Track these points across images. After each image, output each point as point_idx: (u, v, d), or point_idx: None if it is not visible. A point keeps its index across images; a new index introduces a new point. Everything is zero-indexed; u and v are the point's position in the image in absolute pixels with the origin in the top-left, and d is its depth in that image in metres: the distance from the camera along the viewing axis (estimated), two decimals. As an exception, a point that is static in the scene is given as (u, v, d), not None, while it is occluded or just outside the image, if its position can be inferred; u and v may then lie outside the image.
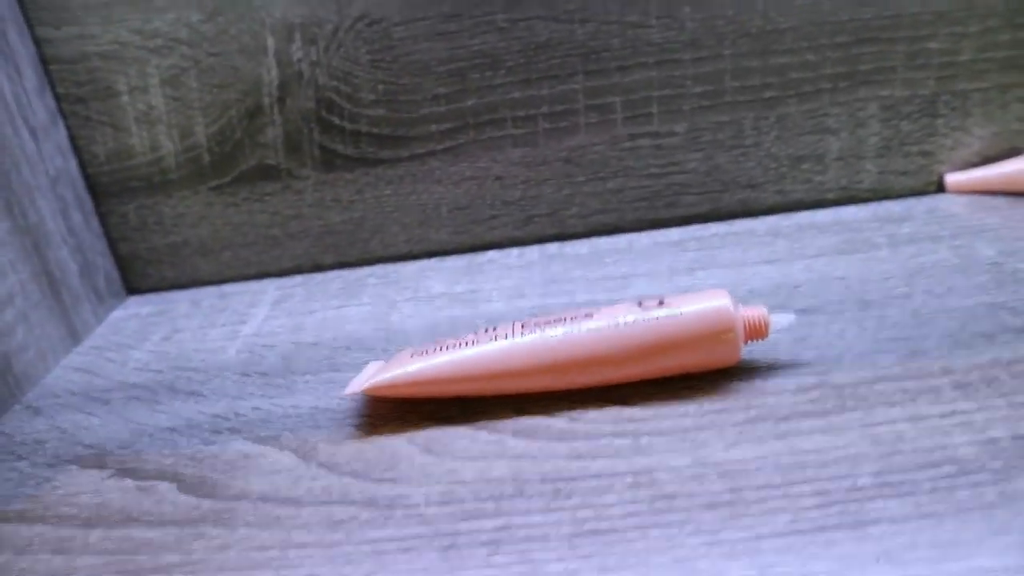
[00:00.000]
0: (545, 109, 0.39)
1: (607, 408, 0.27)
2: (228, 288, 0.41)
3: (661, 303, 0.27)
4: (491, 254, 0.40)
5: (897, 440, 0.24)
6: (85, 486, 0.27)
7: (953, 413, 0.25)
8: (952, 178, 0.41)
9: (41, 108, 0.37)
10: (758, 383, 0.28)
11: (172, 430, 0.30)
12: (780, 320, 0.28)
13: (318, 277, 0.40)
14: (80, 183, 0.39)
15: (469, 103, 0.39)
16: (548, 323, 0.28)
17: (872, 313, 0.31)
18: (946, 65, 0.39)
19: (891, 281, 0.33)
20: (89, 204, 0.40)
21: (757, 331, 0.28)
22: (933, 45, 0.38)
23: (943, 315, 0.30)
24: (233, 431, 0.29)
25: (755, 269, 0.36)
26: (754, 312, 0.28)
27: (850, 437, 0.24)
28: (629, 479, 0.24)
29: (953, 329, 0.29)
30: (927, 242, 0.36)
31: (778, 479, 0.23)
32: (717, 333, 0.27)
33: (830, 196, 0.42)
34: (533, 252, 0.40)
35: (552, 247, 0.40)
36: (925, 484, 0.22)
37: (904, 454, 0.23)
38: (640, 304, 0.28)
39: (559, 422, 0.27)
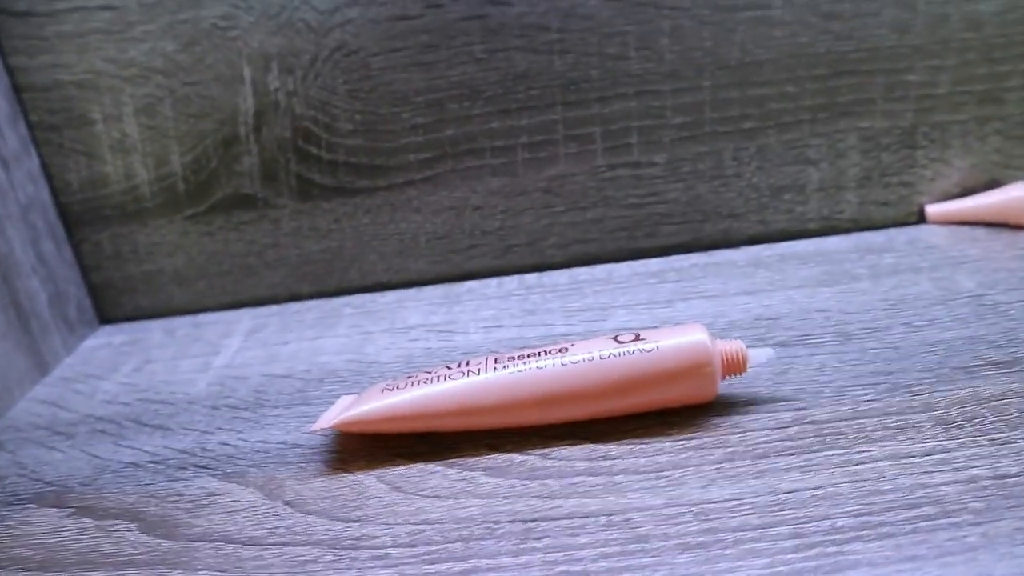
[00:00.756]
0: (524, 139, 0.39)
1: (581, 445, 0.26)
2: (203, 318, 0.41)
3: (638, 337, 0.27)
4: (470, 284, 0.40)
5: (877, 479, 0.23)
6: (42, 526, 0.26)
7: (934, 451, 0.24)
8: (932, 209, 0.41)
9: (13, 136, 0.37)
10: (735, 419, 0.27)
11: (136, 466, 0.29)
12: (758, 355, 0.27)
13: (294, 307, 0.40)
14: (52, 211, 0.39)
15: (447, 133, 0.38)
16: (523, 358, 0.27)
17: (853, 346, 0.31)
18: (924, 97, 0.39)
19: (872, 313, 0.33)
20: (61, 232, 0.39)
21: (735, 366, 0.27)
22: (911, 78, 0.38)
23: (924, 348, 0.30)
24: (199, 467, 0.28)
25: (735, 300, 0.35)
26: (732, 346, 0.27)
27: (829, 476, 0.24)
28: (602, 520, 0.23)
29: (934, 363, 0.29)
30: (908, 273, 0.36)
31: (755, 520, 0.22)
32: (694, 368, 0.26)
33: (812, 226, 0.41)
34: (512, 282, 0.39)
35: (531, 277, 0.40)
36: (905, 526, 0.22)
37: (884, 494, 0.23)
38: (616, 339, 0.27)
39: (532, 459, 0.26)
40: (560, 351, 0.27)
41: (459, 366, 0.28)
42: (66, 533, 0.25)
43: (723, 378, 0.27)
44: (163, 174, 0.38)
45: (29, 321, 0.36)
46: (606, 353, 0.26)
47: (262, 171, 0.38)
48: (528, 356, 0.27)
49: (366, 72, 0.37)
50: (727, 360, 0.27)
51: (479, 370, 0.27)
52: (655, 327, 0.28)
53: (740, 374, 0.27)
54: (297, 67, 0.37)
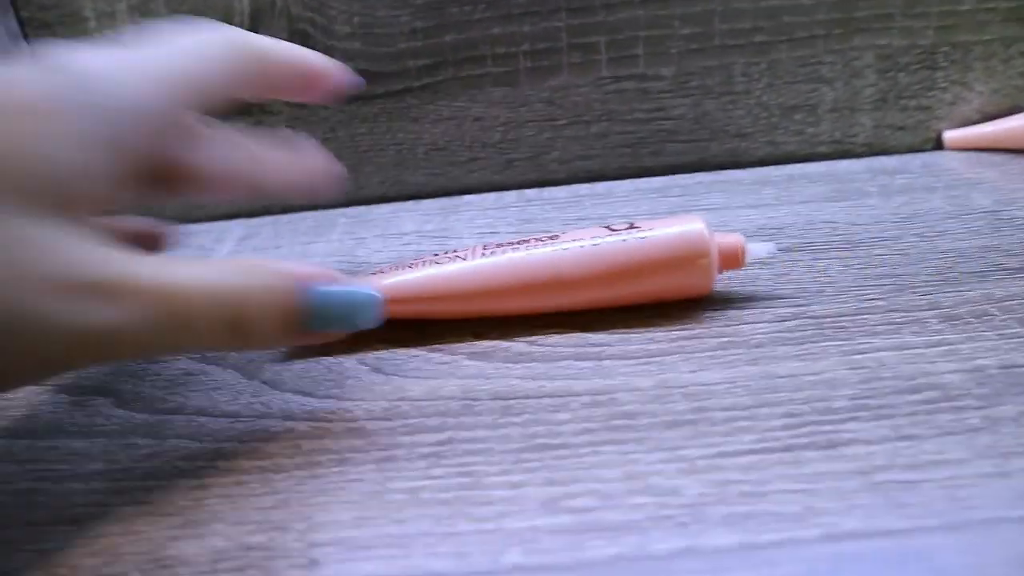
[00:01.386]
0: (526, 47, 0.37)
1: (569, 333, 0.26)
2: (195, 227, 0.40)
3: (632, 226, 0.26)
4: (468, 197, 0.39)
5: (878, 367, 0.22)
6: (17, 400, 0.25)
7: (939, 343, 0.23)
8: (951, 135, 0.39)
9: (2, 32, 0.36)
10: (732, 312, 0.26)
11: (117, 353, 0.28)
12: (758, 249, 0.26)
13: (287, 217, 0.39)
14: (44, 113, 0.38)
15: (447, 38, 0.37)
16: (512, 245, 0.26)
17: (859, 252, 0.29)
18: (946, 14, 0.37)
19: (881, 224, 0.31)
20: (54, 136, 0.38)
21: (733, 259, 0.26)
22: (933, -10, 0.37)
23: (934, 255, 0.29)
24: (179, 354, 0.28)
25: (739, 213, 0.34)
26: (730, 239, 0.26)
27: (827, 364, 0.23)
28: (586, 399, 0.22)
29: (943, 267, 0.28)
30: (921, 192, 0.35)
31: (747, 401, 0.21)
32: (690, 258, 0.25)
33: (823, 149, 0.40)
34: (511, 195, 0.38)
35: (531, 192, 0.39)
36: (904, 408, 0.21)
37: (884, 380, 0.22)
38: (609, 227, 0.26)
39: (517, 345, 0.25)
40: (551, 238, 0.26)
41: (446, 253, 0.27)
42: (42, 407, 0.25)
43: (720, 271, 0.26)
44: (156, 75, 0.38)
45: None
46: (598, 240, 0.25)
47: (257, 74, 0.37)
48: (518, 243, 0.26)
49: (364, -29, 0.36)
50: (725, 252, 0.26)
51: (467, 256, 0.26)
52: (650, 217, 0.27)
53: (738, 268, 0.26)
54: (293, -36, 0.36)
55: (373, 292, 0.22)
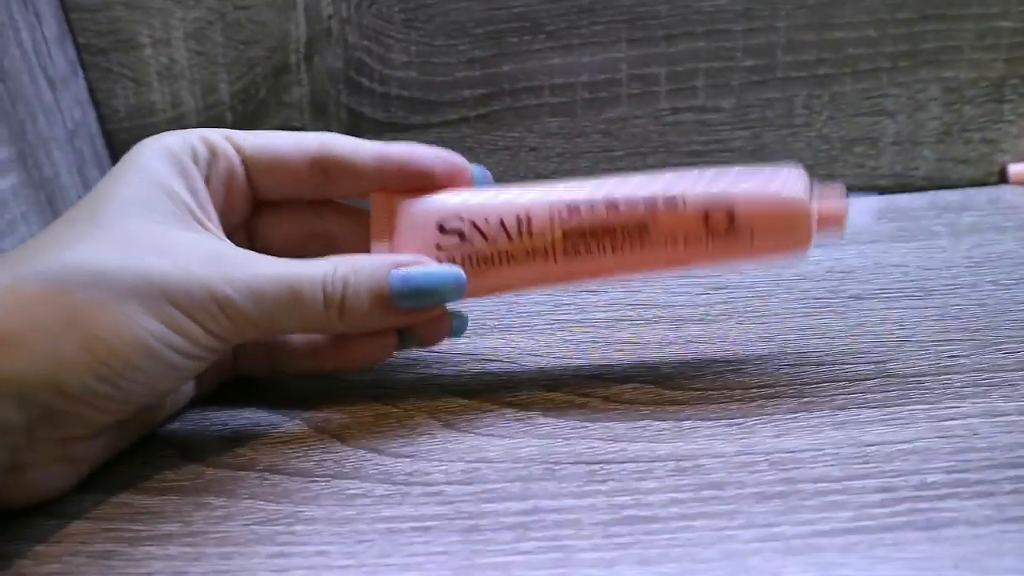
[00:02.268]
0: (585, 78, 0.37)
1: (645, 387, 0.25)
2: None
3: (731, 223, 0.24)
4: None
5: (970, 436, 0.22)
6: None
7: (1032, 410, 0.23)
8: (1016, 168, 0.39)
9: (61, 57, 0.36)
10: (809, 369, 0.25)
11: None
12: (859, 218, 0.24)
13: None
14: (99, 139, 0.38)
15: (505, 68, 0.36)
16: (597, 236, 0.24)
17: (934, 301, 0.29)
18: (1017, 46, 0.36)
19: (954, 270, 0.31)
20: (107, 161, 0.38)
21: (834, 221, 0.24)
22: (1005, 24, 0.36)
23: (1014, 306, 0.28)
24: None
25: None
26: (831, 207, 0.24)
27: (916, 431, 0.22)
28: (671, 465, 0.22)
29: (1026, 322, 0.27)
30: (991, 232, 0.34)
31: (837, 472, 0.21)
32: (788, 252, 0.24)
33: (883, 182, 0.39)
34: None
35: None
36: (1005, 485, 0.20)
37: (979, 451, 0.21)
38: (707, 221, 0.24)
39: (592, 401, 0.25)
40: (640, 230, 0.24)
41: (520, 235, 0.24)
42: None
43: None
44: (211, 103, 0.37)
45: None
46: (693, 238, 0.24)
47: (312, 103, 0.37)
48: (604, 232, 0.24)
49: (422, 0, 0.35)
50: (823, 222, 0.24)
51: (547, 250, 0.24)
52: (749, 190, 0.24)
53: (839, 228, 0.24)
54: (351, -7, 0.35)
55: (457, 270, 0.24)
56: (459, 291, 0.24)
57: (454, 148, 0.38)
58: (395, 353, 0.26)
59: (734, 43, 0.36)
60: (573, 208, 0.24)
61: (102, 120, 0.38)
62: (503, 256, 0.24)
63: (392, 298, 0.23)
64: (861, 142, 0.38)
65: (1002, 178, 0.39)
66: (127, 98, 0.37)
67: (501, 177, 0.38)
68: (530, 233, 0.24)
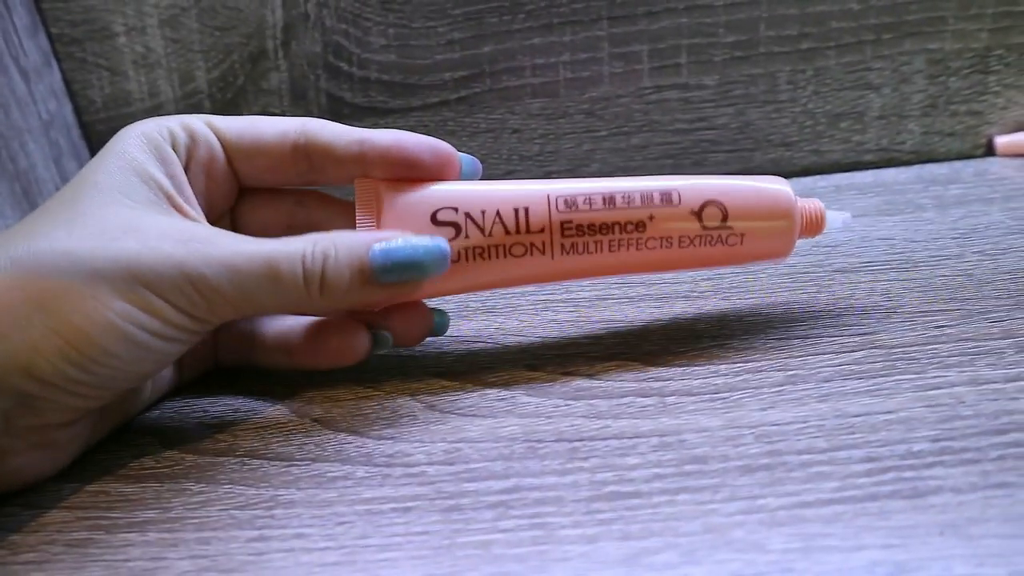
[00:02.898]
0: (567, 57, 0.36)
1: (629, 364, 0.25)
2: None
3: (724, 219, 0.24)
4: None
5: (956, 404, 0.21)
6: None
7: (1018, 377, 0.22)
8: (1003, 140, 0.38)
9: (34, 49, 0.35)
10: (795, 342, 0.25)
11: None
12: (835, 218, 0.25)
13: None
14: (75, 129, 0.37)
15: (486, 49, 0.36)
16: (594, 235, 0.24)
17: (920, 273, 0.28)
18: (1002, 16, 0.36)
19: (940, 242, 0.30)
20: (85, 152, 0.38)
21: (812, 228, 0.25)
22: (988, -8, 0.35)
23: (1000, 276, 0.28)
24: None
25: (790, 229, 0.33)
26: (811, 205, 0.25)
27: (901, 400, 0.22)
28: (655, 440, 0.21)
29: (1012, 291, 0.27)
30: (978, 204, 0.33)
31: (823, 443, 0.21)
32: (775, 255, 0.25)
33: (868, 157, 0.39)
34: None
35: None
36: (991, 452, 0.20)
37: (965, 419, 0.21)
38: (700, 219, 0.24)
39: (576, 380, 0.24)
40: (636, 228, 0.24)
41: (518, 230, 0.24)
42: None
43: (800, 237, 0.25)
44: (188, 91, 0.37)
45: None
46: (687, 240, 0.24)
47: (291, 89, 0.37)
48: (600, 230, 0.24)
49: (400, -18, 0.35)
50: (807, 226, 0.25)
51: (544, 246, 0.24)
52: (741, 190, 0.24)
53: (818, 235, 0.25)
54: (327, -25, 0.35)
55: (439, 241, 0.23)
56: (442, 264, 0.23)
57: (436, 131, 0.38)
58: (368, 353, 0.25)
59: (716, 19, 0.36)
60: (570, 201, 0.24)
61: (78, 111, 0.37)
62: (499, 251, 0.24)
63: (373, 272, 0.22)
64: (846, 117, 0.38)
65: (989, 150, 0.39)
66: (103, 88, 0.37)
67: (485, 160, 0.38)
68: (527, 227, 0.24)
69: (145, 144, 0.23)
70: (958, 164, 0.38)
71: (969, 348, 0.24)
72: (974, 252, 0.29)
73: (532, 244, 0.24)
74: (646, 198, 0.24)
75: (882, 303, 0.27)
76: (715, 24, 0.36)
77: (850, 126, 0.38)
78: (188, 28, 0.36)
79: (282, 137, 0.24)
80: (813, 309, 0.27)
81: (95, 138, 0.38)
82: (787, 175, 0.39)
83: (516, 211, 0.24)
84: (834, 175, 0.38)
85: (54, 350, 0.19)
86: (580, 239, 0.24)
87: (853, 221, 0.25)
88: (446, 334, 0.27)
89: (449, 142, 0.38)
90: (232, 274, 0.21)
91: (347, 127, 0.24)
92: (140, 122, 0.24)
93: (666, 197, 0.24)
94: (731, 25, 0.36)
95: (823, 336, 0.25)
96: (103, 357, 0.20)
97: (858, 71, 0.37)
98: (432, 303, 0.26)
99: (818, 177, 0.38)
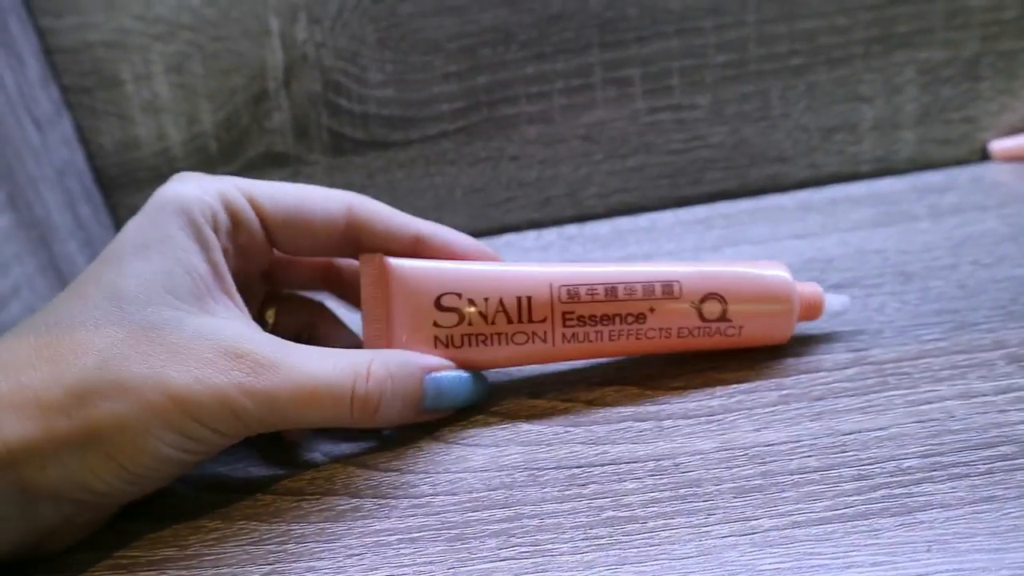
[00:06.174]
0: (560, 84, 0.37)
1: (628, 389, 0.25)
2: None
3: (724, 315, 0.25)
4: (508, 237, 0.39)
5: (946, 419, 0.22)
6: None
7: (1009, 389, 0.23)
8: (997, 145, 0.39)
9: (45, 99, 0.36)
10: (789, 361, 0.26)
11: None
12: (834, 302, 0.26)
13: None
14: (88, 175, 0.39)
15: (481, 80, 0.37)
16: (595, 321, 0.25)
17: (914, 286, 0.29)
18: (989, 24, 0.36)
19: (934, 252, 0.31)
20: (98, 196, 0.39)
21: (812, 312, 0.26)
22: (974, 2, 0.36)
23: (993, 286, 0.28)
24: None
25: (786, 245, 0.33)
26: (810, 290, 0.26)
27: (892, 417, 0.22)
28: (651, 465, 0.22)
29: (1004, 300, 0.27)
30: (973, 212, 0.34)
31: (814, 462, 0.21)
32: (773, 341, 0.26)
33: (865, 168, 0.39)
34: (551, 234, 0.38)
35: (571, 228, 0.38)
36: (980, 466, 0.20)
37: (954, 433, 0.21)
38: (700, 312, 0.25)
39: (576, 406, 0.25)
40: (637, 319, 0.25)
41: (520, 319, 0.25)
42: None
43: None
44: (195, 133, 0.38)
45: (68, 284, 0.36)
46: (686, 331, 0.25)
47: (294, 127, 0.38)
48: (602, 321, 0.24)
49: (395, 19, 0.36)
50: (804, 312, 0.26)
51: (545, 335, 0.25)
52: (741, 281, 0.25)
53: (815, 319, 0.26)
54: (324, 17, 0.36)
55: (482, 376, 0.25)
56: (477, 400, 0.25)
57: (436, 162, 0.39)
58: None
59: (705, 40, 0.36)
60: (573, 292, 0.24)
61: (90, 157, 0.39)
62: (501, 338, 0.25)
63: (424, 406, 0.24)
64: (840, 129, 0.38)
65: (984, 155, 0.39)
66: (113, 134, 0.38)
67: (485, 187, 0.39)
68: (530, 316, 0.24)
69: (188, 226, 0.23)
70: (953, 171, 0.38)
71: (961, 361, 0.24)
72: (968, 262, 0.30)
73: (534, 333, 0.25)
74: (648, 290, 0.24)
75: (875, 318, 0.27)
76: (705, 45, 0.37)
77: (844, 138, 0.39)
78: (192, 73, 0.37)
79: (330, 221, 0.24)
80: (808, 327, 0.27)
81: (107, 182, 0.39)
82: (783, 189, 0.39)
83: (519, 300, 0.24)
84: (829, 187, 0.38)
85: (109, 472, 0.21)
86: (581, 329, 0.25)
87: (850, 300, 0.26)
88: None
89: (449, 172, 0.39)
90: (272, 405, 0.21)
91: (395, 214, 0.25)
92: (180, 189, 0.23)
93: (667, 289, 0.25)
94: (721, 45, 0.37)
95: (816, 353, 0.26)
96: (153, 474, 0.21)
97: (849, 84, 0.37)
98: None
99: (814, 190, 0.38)
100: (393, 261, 0.25)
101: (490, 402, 0.26)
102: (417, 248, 0.25)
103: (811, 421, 0.23)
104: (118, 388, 0.20)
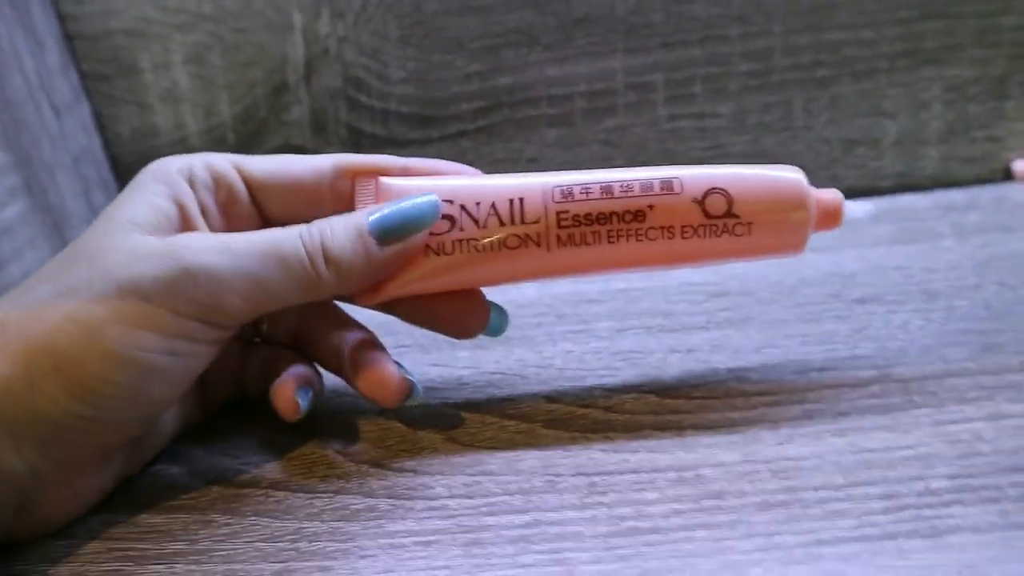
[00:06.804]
0: (583, 88, 0.37)
1: (647, 397, 0.25)
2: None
3: (729, 211, 0.23)
4: (523, 241, 0.38)
5: (974, 440, 0.22)
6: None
7: (1037, 411, 0.22)
8: (1021, 165, 0.38)
9: (64, 85, 0.36)
10: (812, 374, 0.25)
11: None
12: (856, 208, 0.24)
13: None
14: (104, 163, 0.38)
15: (503, 81, 0.37)
16: (592, 220, 0.23)
17: (938, 304, 0.28)
18: (1020, 43, 0.36)
19: (958, 271, 0.30)
20: (113, 184, 0.39)
21: (831, 217, 0.24)
22: (1006, 20, 0.35)
23: (1020, 308, 0.28)
24: (248, 417, 0.27)
25: (803, 258, 0.33)
26: (829, 195, 0.24)
27: (919, 436, 0.22)
28: (672, 475, 0.22)
29: (1031, 322, 0.27)
30: (997, 232, 0.33)
31: (839, 479, 0.21)
32: (786, 247, 0.24)
33: (885, 183, 0.39)
34: (568, 239, 0.38)
35: (588, 234, 0.38)
36: (1010, 490, 0.20)
37: (984, 456, 0.21)
38: (704, 208, 0.23)
39: (594, 412, 0.25)
40: (636, 218, 0.23)
41: (512, 220, 0.23)
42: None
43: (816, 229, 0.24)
44: (212, 124, 0.38)
45: (81, 271, 0.36)
46: (690, 230, 0.23)
47: (312, 121, 0.37)
48: (598, 220, 0.23)
49: (419, 16, 0.36)
50: (822, 217, 0.23)
51: (539, 237, 0.23)
52: (748, 173, 0.23)
53: (836, 226, 0.24)
54: (348, 11, 0.36)
55: (428, 195, 0.23)
56: (435, 213, 0.23)
57: (455, 161, 0.38)
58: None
59: (730, 48, 0.36)
60: (567, 191, 0.23)
61: (107, 145, 0.38)
62: (495, 243, 0.23)
63: (372, 235, 0.22)
64: (862, 143, 0.38)
65: (1007, 175, 0.39)
66: (131, 122, 0.38)
67: (502, 189, 0.39)
68: (523, 218, 0.23)
69: (160, 180, 0.23)
70: (976, 190, 0.38)
71: (988, 382, 0.24)
72: (993, 282, 0.29)
73: (527, 235, 0.23)
74: (646, 187, 0.23)
75: (899, 335, 0.27)
76: (730, 53, 0.36)
77: (866, 152, 0.38)
78: (212, 64, 0.37)
79: (317, 174, 0.24)
80: (829, 342, 0.27)
81: (123, 170, 0.39)
82: (803, 201, 0.39)
83: (511, 201, 0.23)
84: (849, 201, 0.38)
85: (58, 386, 0.19)
86: (577, 229, 0.23)
87: (875, 210, 0.24)
88: (466, 364, 0.28)
89: (467, 172, 0.38)
90: (234, 258, 0.20)
91: (383, 156, 0.25)
92: (166, 158, 0.24)
93: (667, 185, 0.23)
94: (746, 54, 0.36)
95: (839, 369, 0.25)
96: (106, 387, 0.20)
97: (873, 98, 0.37)
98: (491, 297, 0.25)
99: (834, 203, 0.38)
100: (385, 179, 0.24)
101: (506, 404, 0.26)
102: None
103: (835, 437, 0.22)
104: (65, 291, 0.20)
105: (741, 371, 0.26)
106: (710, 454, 0.22)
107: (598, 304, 0.31)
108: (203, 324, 0.21)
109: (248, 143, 0.38)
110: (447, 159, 0.39)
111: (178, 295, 0.20)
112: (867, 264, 0.32)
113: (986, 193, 0.37)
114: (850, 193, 0.38)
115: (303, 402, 0.24)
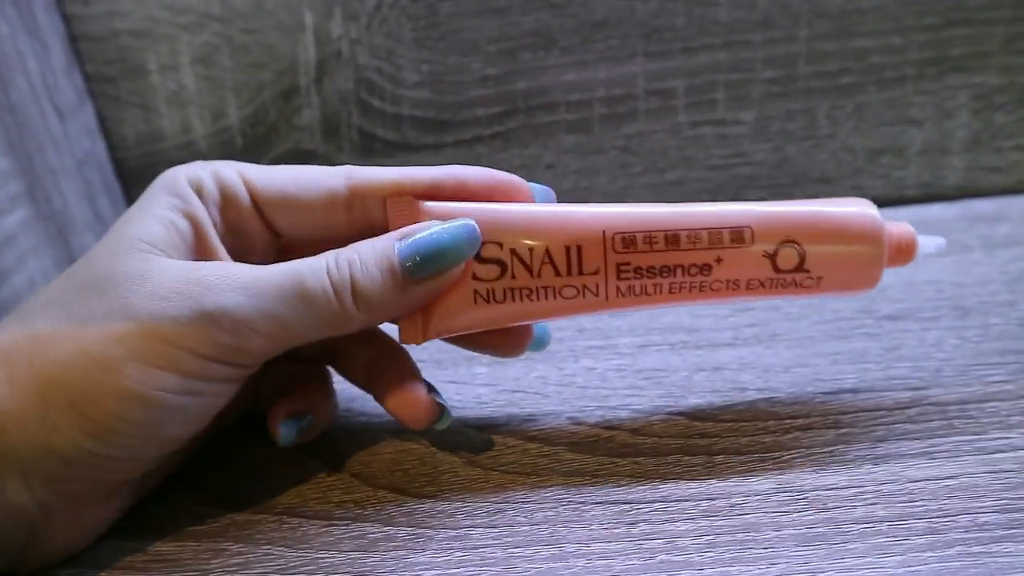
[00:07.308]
0: (601, 93, 0.36)
1: (675, 420, 0.24)
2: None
3: (801, 265, 0.22)
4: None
5: (1022, 470, 0.21)
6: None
7: (1084, 439, 0.21)
8: (1049, 175, 0.37)
9: (68, 87, 0.35)
10: (845, 396, 0.24)
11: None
12: (927, 243, 0.23)
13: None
14: (108, 167, 0.37)
15: (519, 86, 0.36)
16: (655, 273, 0.22)
17: (972, 322, 0.27)
18: (1048, 50, 0.35)
19: (990, 287, 0.30)
20: (118, 189, 0.38)
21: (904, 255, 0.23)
22: (1035, 27, 0.35)
23: (1057, 326, 0.27)
24: (259, 434, 0.26)
25: (833, 270, 0.32)
26: (902, 230, 0.23)
27: (962, 465, 0.21)
28: (704, 505, 0.21)
29: (1071, 342, 0.26)
30: (1027, 245, 0.32)
31: (881, 512, 0.20)
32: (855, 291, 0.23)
33: (910, 192, 0.38)
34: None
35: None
36: (1061, 524, 0.19)
37: (1031, 486, 0.20)
38: (774, 263, 0.22)
39: (620, 435, 0.24)
40: (701, 271, 0.22)
41: (569, 271, 0.22)
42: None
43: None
44: (220, 128, 0.37)
45: (85, 279, 0.35)
46: (756, 283, 0.22)
47: (323, 125, 0.36)
48: (661, 273, 0.22)
49: (434, 18, 0.35)
50: (894, 255, 0.23)
51: (597, 288, 0.22)
52: (821, 223, 0.22)
53: (908, 262, 0.23)
54: (361, 13, 0.35)
55: (466, 222, 0.21)
56: (473, 243, 0.21)
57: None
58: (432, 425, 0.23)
59: (754, 54, 0.35)
60: (629, 239, 0.21)
61: (112, 148, 0.37)
62: (549, 292, 0.22)
63: (403, 267, 0.21)
64: (887, 152, 0.37)
65: (1034, 185, 0.38)
66: (136, 126, 0.37)
67: (517, 196, 0.38)
68: (580, 269, 0.22)
69: (171, 192, 0.21)
70: (1004, 200, 0.37)
71: (1029, 406, 0.23)
72: (1027, 298, 0.28)
73: (584, 286, 0.22)
74: (715, 237, 0.21)
75: (934, 354, 0.26)
76: (753, 59, 0.35)
77: (890, 161, 0.37)
78: (221, 66, 0.36)
79: (329, 194, 0.22)
80: (861, 361, 0.26)
81: (128, 175, 0.38)
82: (826, 211, 0.38)
83: (568, 249, 0.21)
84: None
85: (71, 424, 0.18)
86: (638, 281, 0.22)
87: (945, 244, 0.23)
88: (485, 382, 0.27)
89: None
90: (255, 298, 0.19)
91: (399, 168, 0.22)
92: (175, 169, 0.22)
93: (737, 236, 0.21)
94: (769, 60, 0.35)
95: (873, 390, 0.24)
96: (123, 426, 0.19)
97: (899, 106, 0.36)
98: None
99: (858, 213, 0.37)
100: (425, 203, 0.22)
101: (527, 425, 0.25)
102: (434, 196, 0.22)
103: (873, 464, 0.21)
104: (78, 321, 0.19)
105: (770, 391, 0.25)
106: (743, 482, 0.21)
107: (619, 318, 0.30)
108: (224, 364, 0.20)
109: (256, 147, 0.37)
110: (462, 165, 0.38)
111: (199, 339, 0.19)
112: (897, 278, 0.31)
113: (1014, 204, 0.36)
114: (876, 203, 0.38)
115: (287, 433, 0.23)
